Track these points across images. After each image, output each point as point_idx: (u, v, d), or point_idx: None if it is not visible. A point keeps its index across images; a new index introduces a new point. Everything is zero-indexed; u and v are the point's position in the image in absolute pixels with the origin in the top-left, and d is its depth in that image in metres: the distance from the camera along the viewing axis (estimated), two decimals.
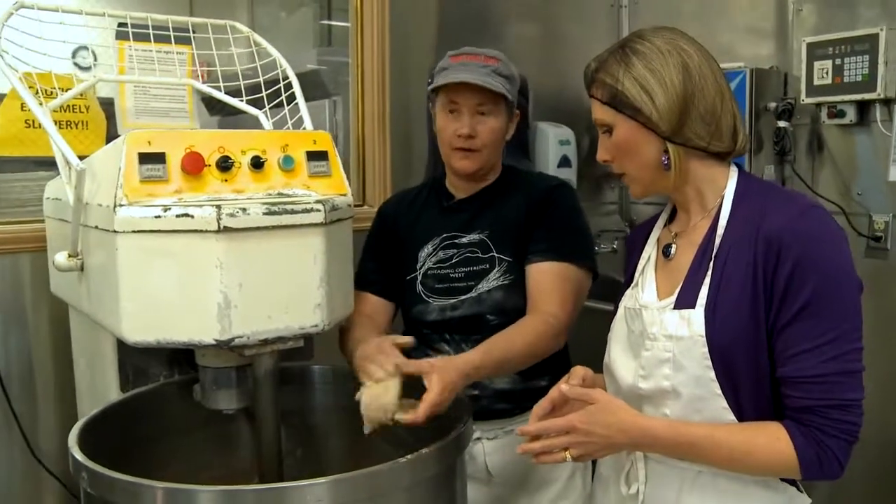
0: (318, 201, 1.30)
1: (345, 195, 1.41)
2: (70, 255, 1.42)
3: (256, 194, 1.31)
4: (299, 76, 1.78)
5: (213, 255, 1.22)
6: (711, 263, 1.23)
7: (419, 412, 1.33)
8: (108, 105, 1.91)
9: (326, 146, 1.41)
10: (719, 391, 1.19)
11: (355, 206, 1.61)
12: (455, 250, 1.75)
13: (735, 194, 1.25)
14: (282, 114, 1.76)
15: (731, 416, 1.19)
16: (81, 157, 1.35)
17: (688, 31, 1.28)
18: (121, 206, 1.22)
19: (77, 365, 1.76)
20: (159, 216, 1.21)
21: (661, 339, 1.24)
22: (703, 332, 1.19)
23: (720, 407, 1.19)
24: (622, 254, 2.82)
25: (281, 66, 1.78)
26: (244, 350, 1.29)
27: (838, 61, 2.24)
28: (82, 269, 1.42)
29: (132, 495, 1.12)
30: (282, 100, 1.76)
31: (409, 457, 1.20)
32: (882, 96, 2.17)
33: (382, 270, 1.81)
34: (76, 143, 1.81)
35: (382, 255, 1.83)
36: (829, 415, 1.13)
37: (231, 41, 1.80)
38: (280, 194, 1.33)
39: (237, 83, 1.79)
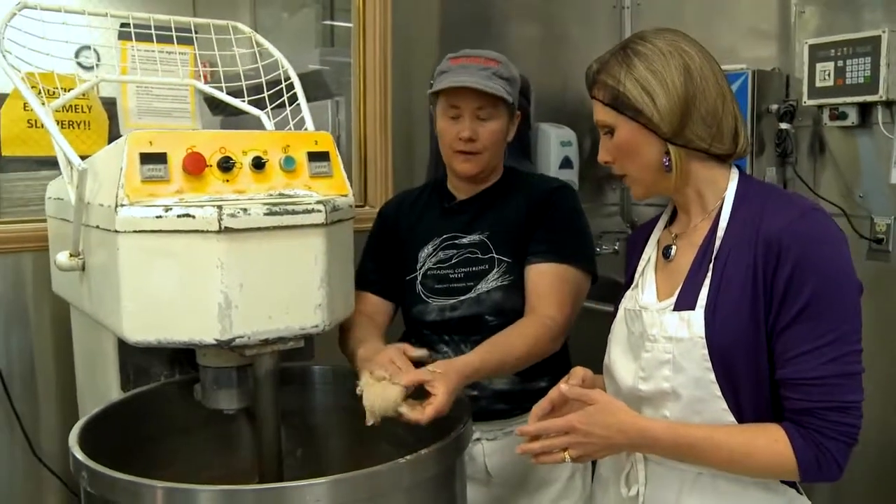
0: (319, 202, 1.30)
1: (346, 196, 1.41)
2: (72, 255, 1.42)
3: (257, 195, 1.31)
4: (301, 76, 1.78)
5: (214, 256, 1.22)
6: (711, 265, 1.23)
7: (426, 414, 1.32)
8: (110, 105, 1.91)
9: (328, 147, 1.41)
10: (719, 393, 1.19)
11: (357, 206, 1.61)
12: (455, 251, 1.75)
13: (735, 196, 1.25)
14: (284, 114, 1.76)
15: (731, 418, 1.19)
16: (83, 157, 1.36)
17: (690, 33, 1.28)
18: (122, 205, 1.22)
19: (78, 364, 1.77)
20: (160, 216, 1.22)
21: (661, 340, 1.24)
22: (703, 334, 1.19)
23: (720, 409, 1.19)
24: (623, 255, 2.82)
25: (283, 67, 1.78)
26: (245, 350, 1.29)
27: (840, 63, 2.24)
28: (84, 268, 1.42)
29: (132, 495, 1.13)
30: (284, 100, 1.76)
31: (408, 457, 1.20)
32: (884, 98, 2.17)
33: (383, 271, 1.81)
34: (78, 142, 1.82)
35: (383, 255, 1.83)
36: (828, 417, 1.13)
37: (233, 42, 1.81)
38: (281, 195, 1.33)
39: (239, 83, 1.80)
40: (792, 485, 1.24)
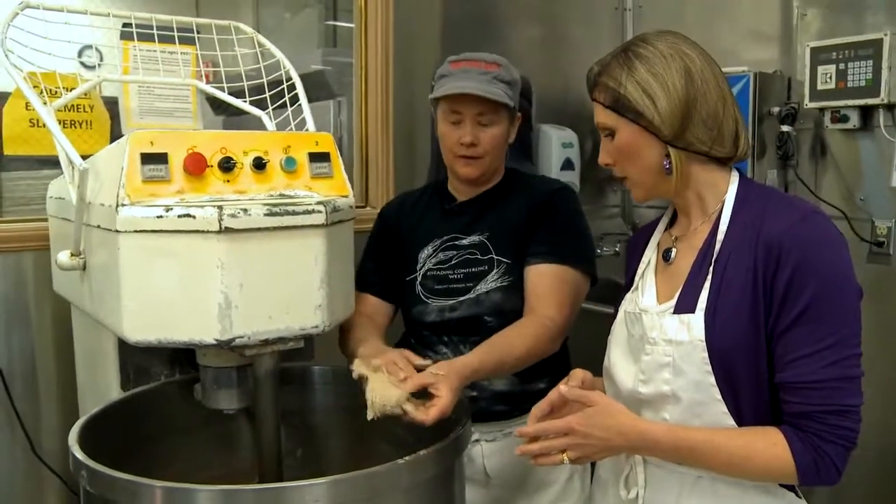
0: (319, 203, 1.31)
1: (346, 196, 1.41)
2: (73, 254, 1.43)
3: (258, 195, 1.31)
4: (303, 77, 1.78)
5: (215, 256, 1.22)
6: (711, 268, 1.22)
7: (430, 415, 1.32)
8: (112, 105, 1.92)
9: (329, 147, 1.41)
10: (719, 396, 1.19)
11: (358, 207, 1.61)
12: (455, 252, 1.75)
13: (736, 199, 1.25)
14: (285, 115, 1.77)
15: (731, 421, 1.19)
16: (85, 157, 1.36)
17: (691, 35, 1.27)
18: (123, 205, 1.22)
19: (79, 363, 1.77)
20: (161, 216, 1.22)
21: (661, 343, 1.24)
22: (703, 337, 1.19)
23: (720, 412, 1.19)
24: (624, 257, 2.82)
25: (284, 67, 1.78)
26: (245, 350, 1.30)
27: (842, 66, 2.24)
28: (84, 268, 1.43)
29: (131, 494, 1.13)
30: (285, 101, 1.76)
31: (407, 458, 1.20)
32: (886, 101, 2.17)
33: (383, 271, 1.81)
34: (80, 142, 1.82)
35: (383, 256, 1.83)
36: (827, 420, 1.13)
37: (235, 42, 1.81)
38: (282, 195, 1.33)
39: (241, 84, 1.80)
40: (791, 488, 1.24)
